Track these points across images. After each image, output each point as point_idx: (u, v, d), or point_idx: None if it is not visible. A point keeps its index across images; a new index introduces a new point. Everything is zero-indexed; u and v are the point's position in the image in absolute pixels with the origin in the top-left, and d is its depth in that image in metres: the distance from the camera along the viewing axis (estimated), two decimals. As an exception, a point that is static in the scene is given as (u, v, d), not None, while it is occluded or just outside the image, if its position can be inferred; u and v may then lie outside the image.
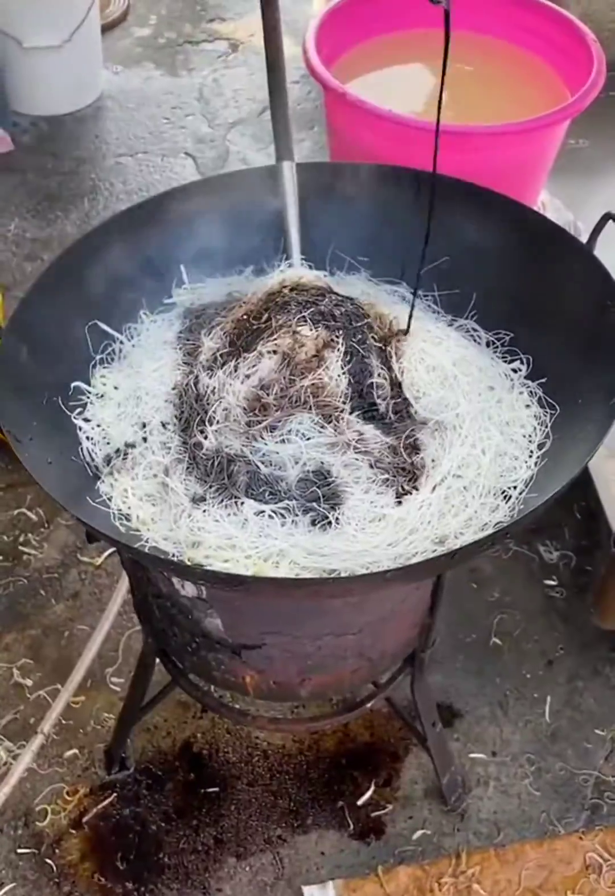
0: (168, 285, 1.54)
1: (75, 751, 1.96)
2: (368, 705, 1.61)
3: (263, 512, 1.21)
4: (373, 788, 1.89)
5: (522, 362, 1.43)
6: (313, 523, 1.20)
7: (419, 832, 1.84)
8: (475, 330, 1.50)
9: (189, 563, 1.15)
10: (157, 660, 1.69)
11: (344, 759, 1.93)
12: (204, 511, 1.22)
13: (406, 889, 1.75)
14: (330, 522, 1.19)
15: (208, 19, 4.02)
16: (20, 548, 2.30)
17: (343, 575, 1.13)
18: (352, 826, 1.85)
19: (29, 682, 2.06)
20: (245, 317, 1.38)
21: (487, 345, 1.48)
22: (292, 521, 1.20)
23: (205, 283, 1.54)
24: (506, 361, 1.45)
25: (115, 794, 1.90)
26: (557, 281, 1.45)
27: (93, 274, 1.46)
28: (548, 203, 2.45)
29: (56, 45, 3.38)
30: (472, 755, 1.95)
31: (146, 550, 1.18)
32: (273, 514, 1.20)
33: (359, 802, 1.87)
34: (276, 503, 1.21)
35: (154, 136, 3.51)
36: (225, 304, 1.48)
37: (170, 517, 1.23)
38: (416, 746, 1.93)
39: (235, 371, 1.33)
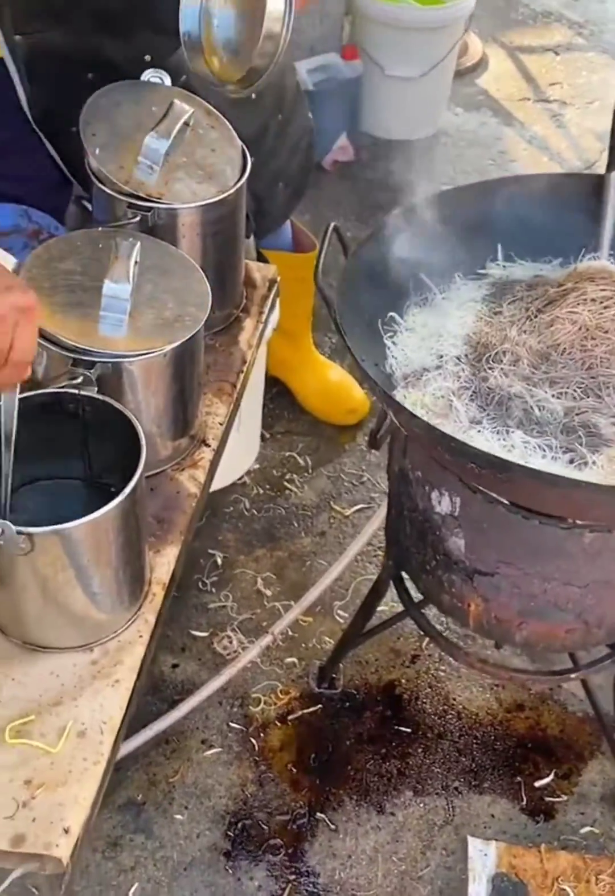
0: (483, 259, 1.75)
1: (294, 659, 2.20)
2: (572, 676, 1.74)
3: (529, 443, 1.39)
4: (552, 776, 2.00)
5: None
6: (571, 462, 1.36)
7: (587, 828, 1.94)
8: None
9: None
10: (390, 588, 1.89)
11: (530, 744, 2.05)
12: (478, 431, 1.42)
13: (563, 872, 1.85)
14: (586, 463, 1.35)
15: (549, 82, 4.24)
16: (285, 483, 2.58)
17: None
18: (525, 801, 1.97)
19: (269, 592, 2.33)
20: (547, 289, 1.57)
21: None
22: (552, 457, 1.37)
23: (515, 264, 1.74)
24: None
25: (320, 706, 2.12)
26: None
27: (424, 230, 1.69)
28: None
29: (413, 77, 3.71)
30: (662, 774, 2.01)
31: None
32: (537, 447, 1.38)
33: (537, 784, 1.99)
34: (541, 439, 1.39)
35: (478, 173, 3.75)
36: (530, 282, 1.67)
37: (448, 431, 1.44)
38: (603, 754, 2.01)
39: (532, 331, 1.52)
